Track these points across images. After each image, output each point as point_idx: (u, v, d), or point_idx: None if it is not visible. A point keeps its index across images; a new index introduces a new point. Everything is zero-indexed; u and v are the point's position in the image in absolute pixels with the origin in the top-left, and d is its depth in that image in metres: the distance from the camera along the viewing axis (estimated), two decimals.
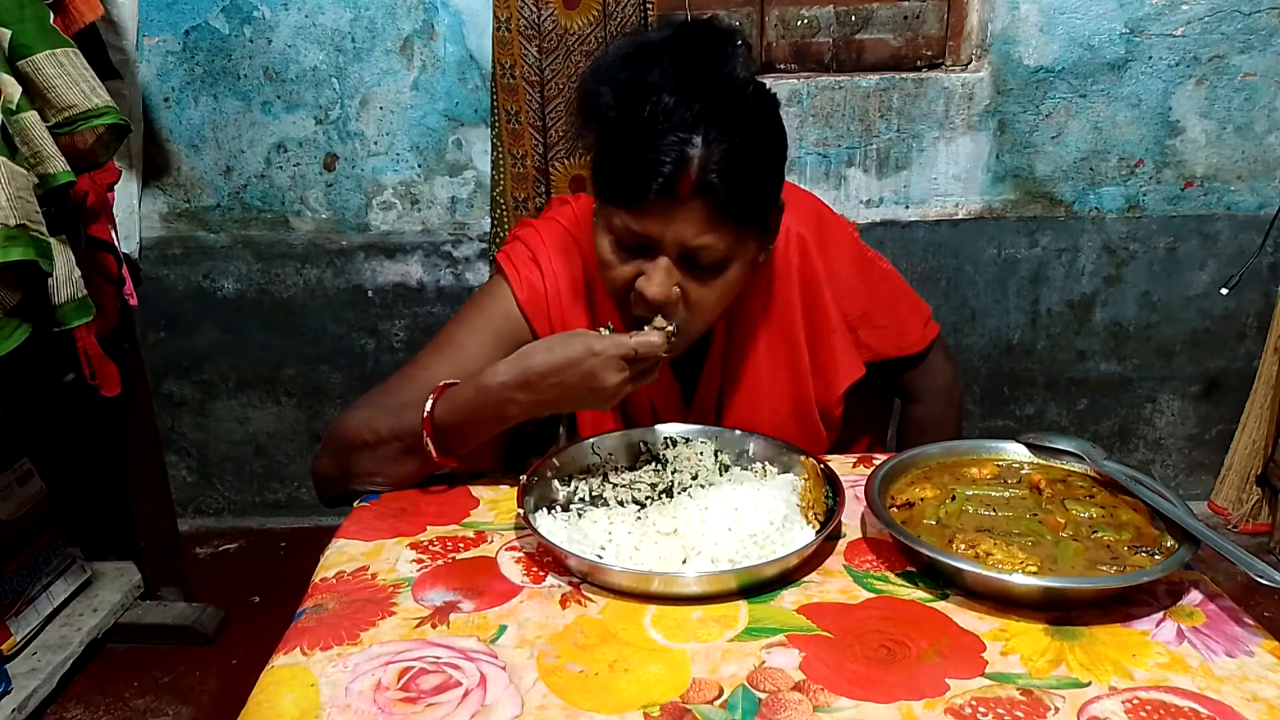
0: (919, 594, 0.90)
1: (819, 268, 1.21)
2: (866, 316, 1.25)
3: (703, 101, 0.97)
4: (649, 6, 1.99)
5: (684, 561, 0.92)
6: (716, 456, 1.09)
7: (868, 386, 1.30)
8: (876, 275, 1.29)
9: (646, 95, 0.97)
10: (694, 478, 1.05)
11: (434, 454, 1.04)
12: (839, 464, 1.16)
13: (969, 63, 2.21)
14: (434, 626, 0.85)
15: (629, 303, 1.06)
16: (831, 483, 1.03)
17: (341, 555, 0.98)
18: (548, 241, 1.21)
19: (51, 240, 1.47)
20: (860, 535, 1.01)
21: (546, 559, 0.96)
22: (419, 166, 2.26)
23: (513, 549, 0.98)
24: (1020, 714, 0.73)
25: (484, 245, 2.31)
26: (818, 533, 0.96)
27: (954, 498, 1.00)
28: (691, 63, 0.99)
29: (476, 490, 1.11)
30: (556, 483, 1.07)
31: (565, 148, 2.09)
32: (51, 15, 1.52)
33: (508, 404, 1.01)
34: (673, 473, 1.05)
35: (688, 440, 1.12)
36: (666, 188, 0.96)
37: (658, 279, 1.02)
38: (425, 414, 1.03)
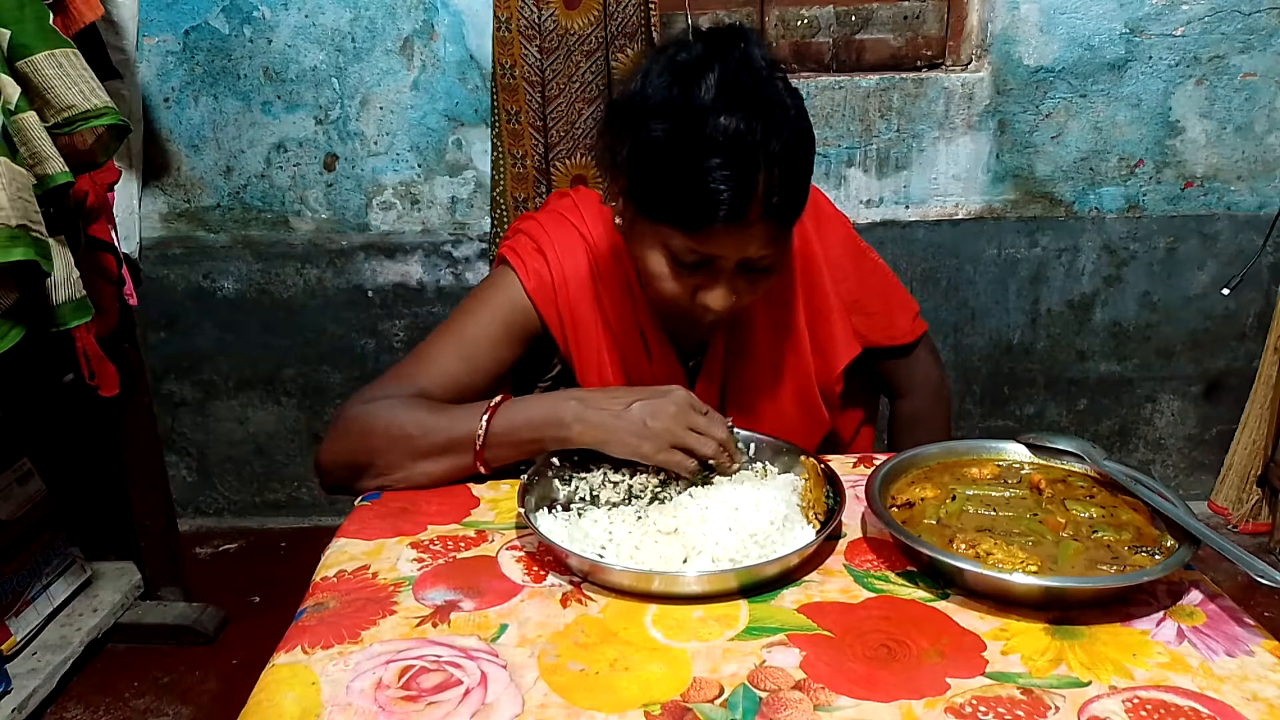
0: (919, 593, 0.90)
1: (817, 250, 1.24)
2: (858, 303, 1.28)
3: (758, 122, 0.97)
4: (650, 6, 1.99)
5: (684, 561, 0.92)
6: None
7: (857, 372, 1.33)
8: (869, 265, 1.31)
9: (701, 119, 0.97)
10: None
11: (480, 465, 1.07)
12: (839, 464, 1.16)
13: (969, 63, 2.21)
14: (435, 625, 0.85)
15: (680, 308, 1.09)
16: (832, 482, 1.03)
17: (342, 554, 0.98)
18: (550, 232, 1.22)
19: (50, 240, 1.47)
20: (861, 535, 1.01)
21: (547, 558, 0.96)
22: (419, 166, 2.26)
23: (513, 548, 0.99)
24: (1021, 713, 0.73)
25: (484, 245, 2.31)
26: (818, 532, 0.96)
27: (954, 498, 1.00)
28: (735, 80, 0.98)
29: (477, 490, 1.11)
30: (557, 482, 1.07)
31: (565, 148, 2.09)
32: (51, 15, 1.52)
33: (567, 422, 1.03)
34: (658, 472, 1.05)
35: None
36: (735, 215, 0.98)
37: (722, 292, 1.05)
38: (483, 422, 1.05)
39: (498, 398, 1.08)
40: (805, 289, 1.25)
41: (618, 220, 1.12)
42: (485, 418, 1.05)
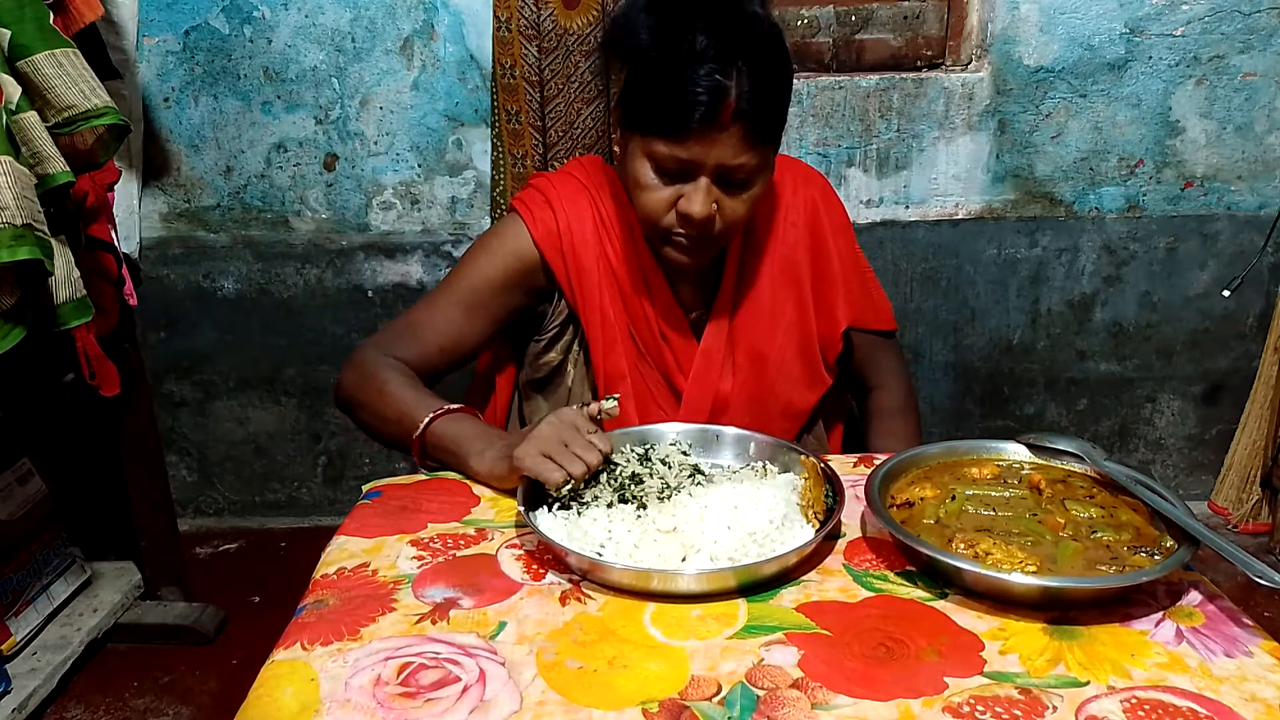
0: (918, 593, 0.90)
1: (825, 222, 1.34)
2: (852, 280, 1.37)
3: (733, 37, 1.08)
4: None
5: (683, 559, 0.93)
6: (686, 456, 1.10)
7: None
8: (861, 254, 1.41)
9: (683, 34, 1.08)
10: (667, 485, 1.04)
11: (414, 452, 1.17)
12: (839, 464, 1.17)
13: (969, 63, 2.21)
14: (434, 623, 0.85)
15: (664, 223, 1.18)
16: (831, 482, 1.03)
17: (342, 552, 0.98)
18: (558, 187, 1.31)
19: (51, 240, 1.47)
20: (860, 534, 1.01)
21: (547, 556, 0.96)
22: (419, 166, 2.26)
23: (513, 546, 0.99)
24: (1019, 713, 0.73)
25: None
26: (817, 531, 0.96)
27: (954, 497, 1.00)
28: (716, 1, 1.10)
29: (477, 488, 1.12)
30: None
31: (564, 147, 2.09)
32: (51, 15, 1.51)
33: (474, 452, 1.12)
34: (630, 476, 1.05)
35: (673, 443, 1.12)
36: (709, 117, 1.08)
37: (699, 199, 1.13)
38: (428, 417, 1.14)
39: (455, 406, 1.17)
40: (813, 253, 1.34)
41: (616, 149, 1.21)
42: (431, 415, 1.15)
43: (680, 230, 1.17)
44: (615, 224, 1.29)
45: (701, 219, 1.14)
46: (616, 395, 1.13)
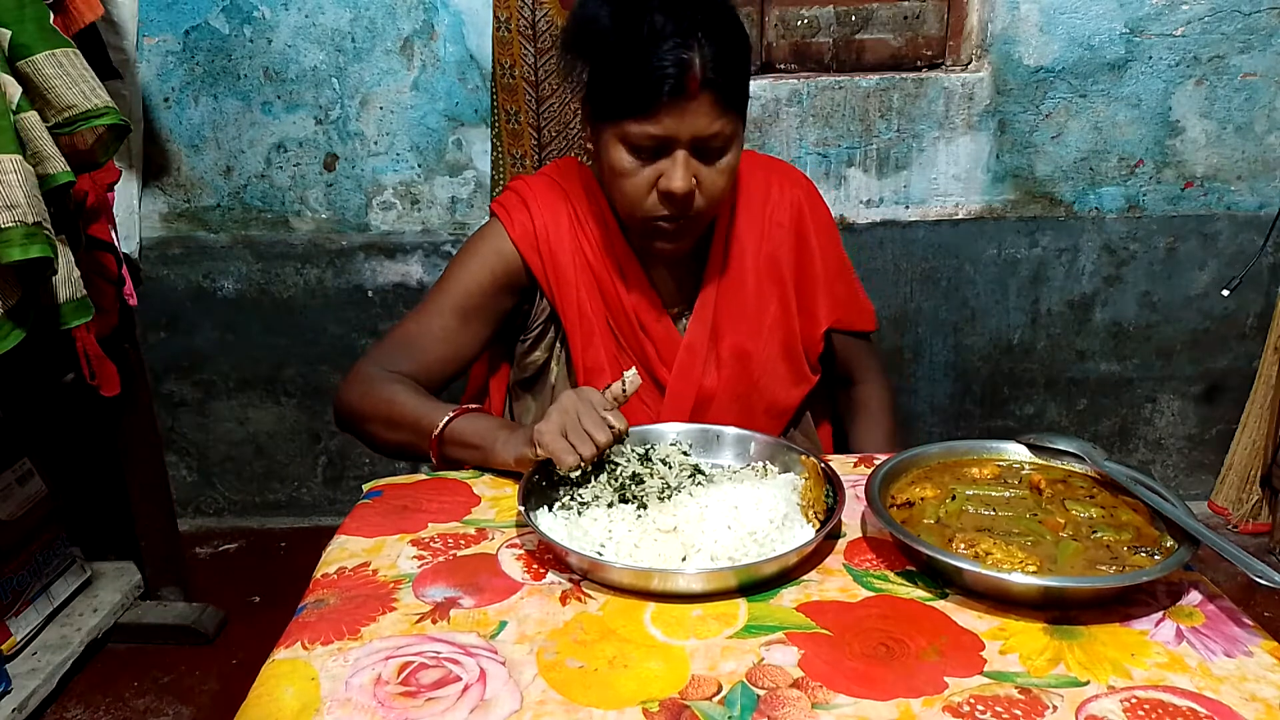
0: (918, 593, 0.90)
1: (810, 224, 1.35)
2: (835, 281, 1.38)
3: (690, 12, 1.12)
4: None
5: (684, 559, 0.93)
6: (686, 456, 1.10)
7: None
8: (845, 256, 1.43)
9: (642, 15, 1.11)
10: (667, 485, 1.04)
11: (433, 453, 1.17)
12: (839, 464, 1.17)
13: (969, 63, 2.21)
14: (434, 622, 0.85)
15: (646, 208, 1.19)
16: (831, 482, 1.03)
17: (343, 551, 0.98)
18: (534, 188, 1.33)
19: (55, 240, 1.47)
20: (860, 534, 1.01)
21: (547, 556, 0.96)
22: (419, 166, 2.26)
23: (513, 546, 0.99)
24: (1019, 712, 0.73)
25: None
26: (817, 531, 0.96)
27: (954, 497, 1.00)
28: None
29: (478, 488, 1.12)
30: (558, 480, 1.07)
31: (558, 147, 2.09)
32: (51, 15, 1.52)
33: (501, 440, 1.13)
34: (631, 476, 1.05)
35: (674, 444, 1.13)
36: (678, 89, 1.10)
37: (679, 173, 1.15)
38: (447, 417, 1.16)
39: (472, 406, 1.19)
40: (797, 253, 1.35)
41: (589, 146, 1.24)
42: (452, 414, 1.17)
43: (663, 213, 1.19)
44: (590, 219, 1.31)
45: (683, 193, 1.16)
46: (633, 368, 1.12)
